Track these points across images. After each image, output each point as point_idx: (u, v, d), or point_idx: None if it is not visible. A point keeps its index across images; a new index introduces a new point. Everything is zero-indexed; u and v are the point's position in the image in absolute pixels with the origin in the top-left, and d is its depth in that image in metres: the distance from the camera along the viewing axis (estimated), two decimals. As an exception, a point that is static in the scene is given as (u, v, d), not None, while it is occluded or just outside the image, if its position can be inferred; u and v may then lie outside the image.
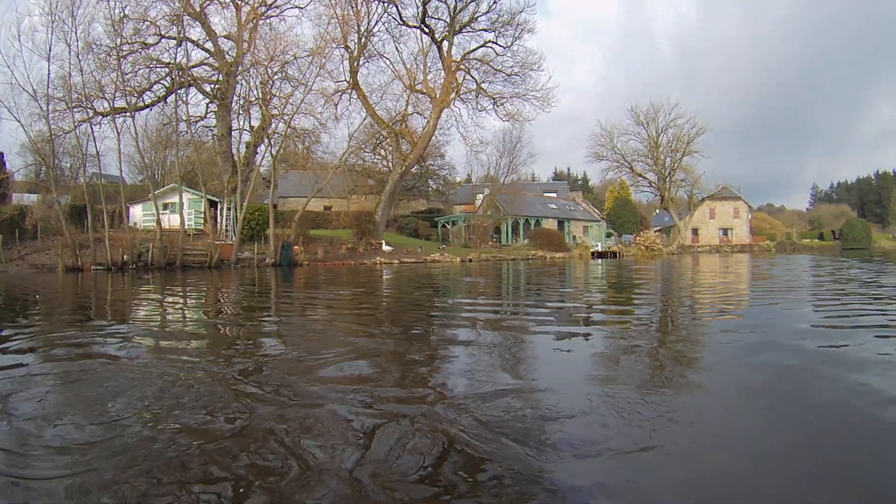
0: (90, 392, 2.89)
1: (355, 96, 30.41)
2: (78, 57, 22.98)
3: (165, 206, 27.47)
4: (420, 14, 30.31)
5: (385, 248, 31.38)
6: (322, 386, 2.95)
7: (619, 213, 58.73)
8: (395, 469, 1.87)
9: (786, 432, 2.20)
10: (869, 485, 1.74)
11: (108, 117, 24.96)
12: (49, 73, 22.55)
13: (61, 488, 1.76)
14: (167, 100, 27.65)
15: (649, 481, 1.79)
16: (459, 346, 4.22)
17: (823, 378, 2.97)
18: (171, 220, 26.32)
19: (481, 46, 31.52)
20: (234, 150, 28.51)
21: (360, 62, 30.13)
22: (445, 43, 31.25)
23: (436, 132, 33.39)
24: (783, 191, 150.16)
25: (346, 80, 29.89)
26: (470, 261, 30.62)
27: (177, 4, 25.65)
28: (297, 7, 28.87)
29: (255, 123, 27.94)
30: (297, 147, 29.38)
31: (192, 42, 27.36)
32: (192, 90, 27.59)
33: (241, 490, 1.74)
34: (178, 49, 25.99)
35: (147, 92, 27.18)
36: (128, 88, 25.27)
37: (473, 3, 30.43)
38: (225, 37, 28.20)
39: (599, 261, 30.40)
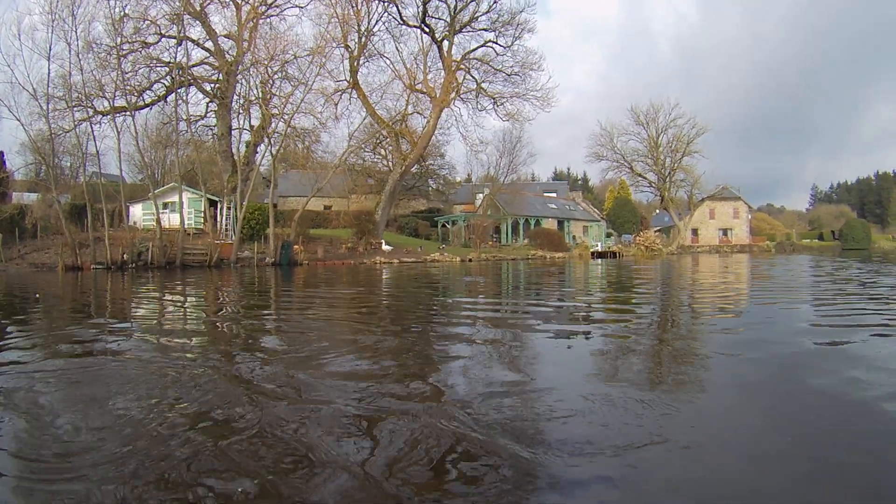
0: (96, 390, 2.88)
1: (355, 96, 30.42)
2: (78, 56, 23.00)
3: (165, 206, 27.46)
4: (420, 14, 30.32)
5: (385, 247, 31.38)
6: (323, 385, 2.95)
7: (618, 213, 58.75)
8: (395, 467, 1.87)
9: (786, 432, 2.20)
10: (869, 485, 1.74)
11: (108, 116, 24.96)
12: (49, 72, 22.59)
13: (78, 487, 1.76)
14: (167, 99, 27.67)
15: (649, 481, 1.78)
16: (459, 345, 4.22)
17: (823, 377, 2.97)
18: (171, 220, 26.31)
19: (481, 46, 31.57)
20: (234, 150, 28.51)
21: (361, 62, 30.14)
22: (446, 42, 31.25)
23: (436, 132, 33.41)
24: (783, 191, 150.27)
25: (346, 80, 29.91)
26: (470, 260, 30.62)
27: (177, 3, 25.63)
28: (297, 6, 28.91)
29: (255, 123, 27.97)
30: (297, 146, 29.37)
31: (193, 41, 27.35)
32: (193, 89, 27.61)
33: (257, 486, 1.74)
34: (179, 48, 26.02)
35: (147, 91, 27.19)
36: (128, 87, 25.26)
37: (474, 3, 30.46)
38: (225, 36, 28.20)
39: (599, 261, 30.41)
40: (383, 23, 30.71)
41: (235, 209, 26.30)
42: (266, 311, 7.44)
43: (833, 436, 2.17)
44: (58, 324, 6.22)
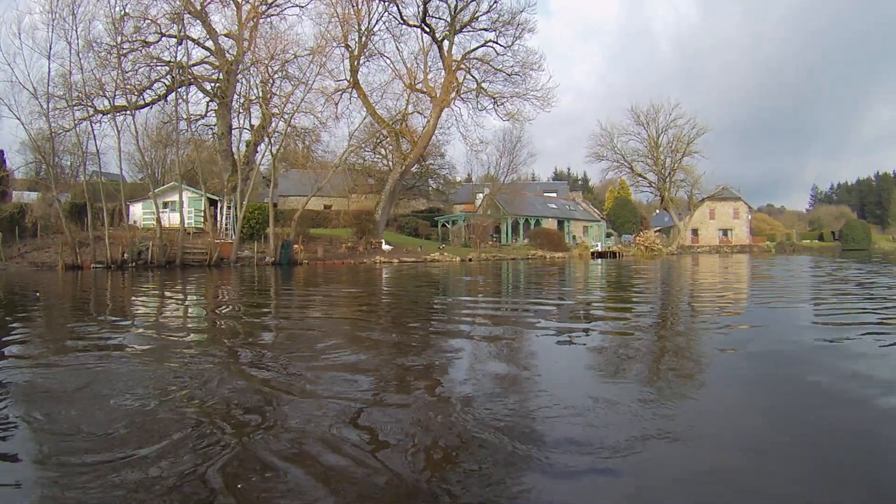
0: (101, 388, 2.89)
1: (355, 95, 30.41)
2: (78, 55, 22.99)
3: (165, 205, 27.47)
4: (421, 13, 30.31)
5: (385, 247, 31.38)
6: (324, 384, 2.95)
7: (618, 213, 58.74)
8: (395, 466, 1.87)
9: (786, 431, 2.20)
10: (869, 485, 1.74)
11: (109, 115, 24.95)
12: (49, 71, 22.57)
13: (96, 480, 1.76)
14: (167, 98, 27.64)
15: (649, 480, 1.79)
16: (459, 344, 4.22)
17: (823, 377, 2.97)
18: (171, 219, 26.31)
19: (482, 46, 31.55)
20: (234, 149, 28.49)
21: (361, 61, 30.13)
22: (446, 42, 31.24)
23: (436, 131, 33.40)
24: (783, 191, 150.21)
25: (346, 79, 29.89)
26: (470, 260, 30.62)
27: (177, 3, 25.63)
28: (297, 6, 28.89)
29: (256, 122, 27.96)
30: (298, 146, 29.36)
31: (193, 40, 27.34)
32: (193, 88, 27.59)
33: (270, 480, 1.74)
34: (179, 47, 26.01)
35: (147, 90, 27.17)
36: (128, 86, 25.25)
37: (474, 3, 30.44)
38: (225, 35, 28.19)
39: (599, 261, 30.41)
40: (384, 22, 30.76)
41: (235, 208, 26.30)
42: (266, 310, 7.44)
43: (833, 435, 2.17)
44: (58, 321, 6.22)
